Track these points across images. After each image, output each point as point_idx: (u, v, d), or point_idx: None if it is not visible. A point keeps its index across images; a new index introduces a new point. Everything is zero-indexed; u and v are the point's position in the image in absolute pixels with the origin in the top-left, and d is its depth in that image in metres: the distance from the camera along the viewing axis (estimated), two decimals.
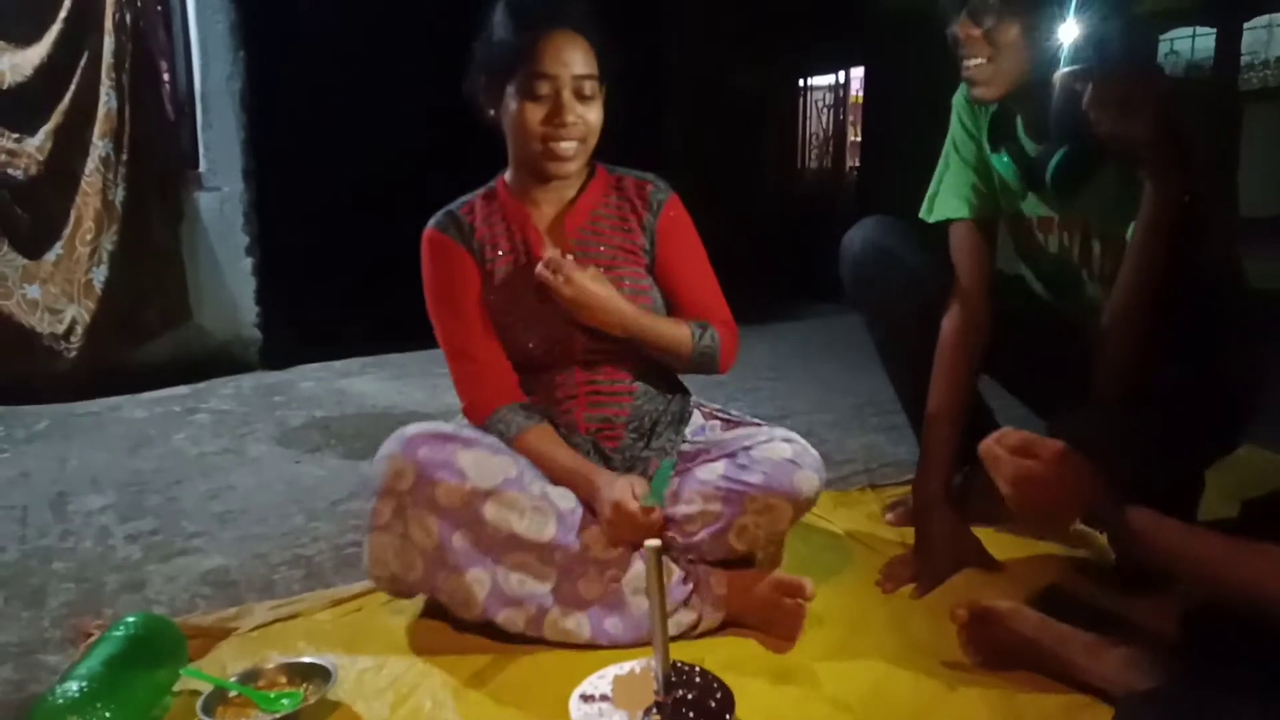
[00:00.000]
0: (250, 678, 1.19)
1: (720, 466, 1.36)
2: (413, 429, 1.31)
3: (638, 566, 1.31)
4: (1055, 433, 1.39)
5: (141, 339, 3.19)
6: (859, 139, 6.57)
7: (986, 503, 1.73)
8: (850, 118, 6.70)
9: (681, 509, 1.35)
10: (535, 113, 1.32)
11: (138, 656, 1.17)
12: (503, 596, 1.29)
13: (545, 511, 1.31)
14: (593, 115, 1.35)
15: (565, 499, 1.34)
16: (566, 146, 1.34)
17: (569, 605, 1.30)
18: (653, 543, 1.04)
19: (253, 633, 1.38)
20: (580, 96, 1.33)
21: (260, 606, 1.46)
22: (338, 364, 3.46)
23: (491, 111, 1.39)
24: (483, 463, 1.30)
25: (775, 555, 1.49)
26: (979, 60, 1.34)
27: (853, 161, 6.72)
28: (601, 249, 1.43)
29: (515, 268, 1.43)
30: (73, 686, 1.07)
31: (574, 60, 1.31)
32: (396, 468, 1.26)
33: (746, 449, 1.37)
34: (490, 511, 1.28)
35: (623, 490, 1.30)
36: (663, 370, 1.49)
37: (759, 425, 1.46)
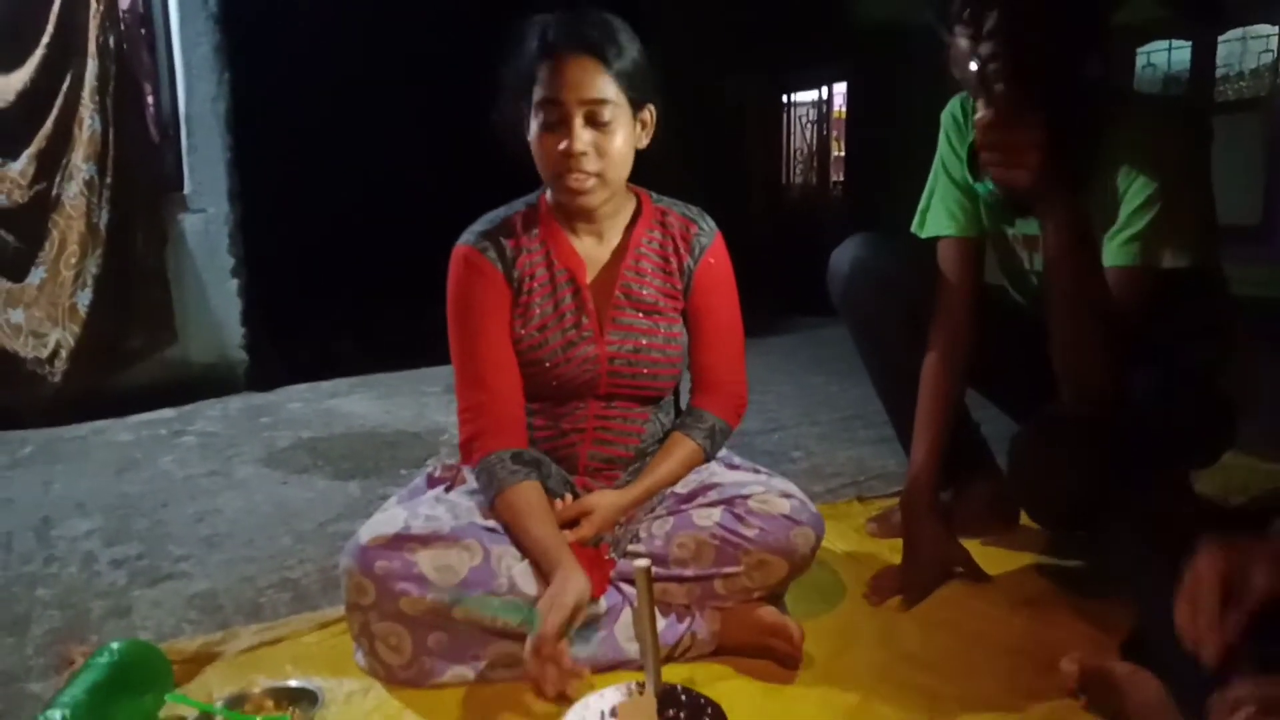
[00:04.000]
0: (236, 702, 1.18)
1: (716, 514, 1.33)
2: (365, 534, 1.24)
3: (626, 615, 1.29)
4: (1024, 434, 1.42)
5: (127, 362, 3.17)
6: (843, 154, 6.64)
7: (974, 515, 1.75)
8: (834, 133, 6.75)
9: (674, 551, 1.33)
10: (549, 142, 1.27)
11: (122, 683, 1.16)
12: (490, 681, 1.26)
13: (516, 606, 1.23)
14: (612, 144, 1.27)
15: (535, 583, 1.26)
16: (578, 178, 1.28)
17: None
18: (642, 563, 1.04)
19: (239, 657, 1.37)
20: (595, 123, 1.26)
21: (246, 630, 1.45)
22: (325, 384, 3.45)
23: (529, 138, 1.33)
24: (444, 560, 1.23)
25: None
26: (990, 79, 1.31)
27: (837, 176, 6.78)
28: (645, 292, 1.39)
29: (553, 300, 1.37)
30: (56, 715, 1.06)
31: (584, 85, 1.25)
32: (355, 583, 1.23)
33: (744, 498, 1.33)
34: (460, 612, 1.23)
35: (575, 596, 1.19)
36: (671, 414, 1.47)
37: (758, 472, 1.42)
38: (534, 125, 1.29)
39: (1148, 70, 5.59)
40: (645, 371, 1.39)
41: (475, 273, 1.36)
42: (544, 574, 1.26)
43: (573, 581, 1.21)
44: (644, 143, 1.34)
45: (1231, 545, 0.85)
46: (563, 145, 1.26)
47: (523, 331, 1.37)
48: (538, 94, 1.27)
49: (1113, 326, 1.25)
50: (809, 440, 2.52)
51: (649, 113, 1.34)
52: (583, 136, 1.26)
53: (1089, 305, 1.24)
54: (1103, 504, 1.28)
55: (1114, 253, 1.30)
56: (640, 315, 1.39)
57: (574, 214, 1.37)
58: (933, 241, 1.61)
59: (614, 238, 1.41)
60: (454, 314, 1.38)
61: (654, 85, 1.33)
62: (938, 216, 1.60)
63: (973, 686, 1.23)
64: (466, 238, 1.39)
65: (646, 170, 1.38)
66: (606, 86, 1.26)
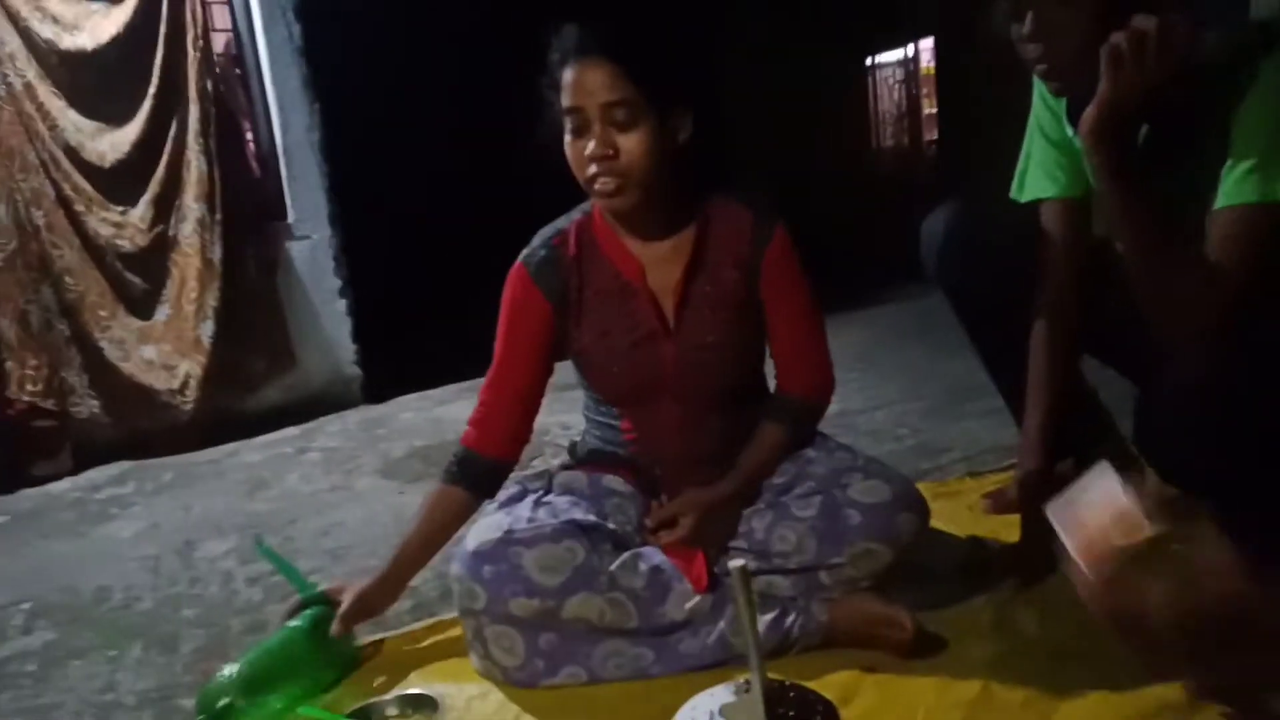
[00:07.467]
0: (363, 714, 1.24)
1: (816, 504, 1.31)
2: (472, 540, 1.30)
3: (729, 613, 1.28)
4: (1154, 392, 1.33)
5: (251, 386, 3.37)
6: (934, 111, 6.38)
7: None
8: (923, 90, 6.50)
9: (776, 544, 1.32)
10: (576, 148, 1.28)
11: (307, 648, 1.33)
12: (601, 680, 1.29)
13: (621, 603, 1.27)
14: (631, 144, 1.26)
15: (634, 576, 1.29)
16: (604, 182, 1.28)
17: (672, 664, 1.29)
18: (737, 563, 1.03)
19: (363, 665, 1.43)
20: (614, 124, 1.25)
21: (369, 639, 1.51)
22: (434, 392, 3.56)
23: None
24: (548, 560, 1.27)
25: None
26: (1037, 62, 1.28)
27: (930, 135, 6.53)
28: (708, 288, 1.38)
29: (614, 304, 1.39)
30: (229, 671, 1.27)
31: (600, 88, 1.24)
32: (465, 588, 1.28)
33: (844, 486, 1.31)
34: (569, 611, 1.26)
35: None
36: (756, 403, 1.46)
37: (856, 455, 1.40)
38: (566, 133, 1.30)
39: None
40: (717, 368, 1.38)
41: (517, 290, 1.40)
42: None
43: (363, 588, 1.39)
44: (679, 140, 1.31)
45: None
46: (586, 150, 1.27)
47: (585, 340, 1.39)
48: (564, 101, 1.28)
49: (1205, 276, 1.16)
50: (914, 416, 2.45)
51: (680, 110, 1.31)
52: (603, 140, 1.25)
53: (1154, 254, 1.18)
54: (1239, 464, 1.19)
55: (1229, 191, 1.20)
56: (706, 312, 1.37)
57: (622, 216, 1.37)
58: (1029, 202, 1.53)
59: (673, 236, 1.38)
60: (500, 324, 1.44)
61: (688, 83, 1.31)
62: (1036, 179, 1.52)
63: (1098, 674, 1.16)
64: (523, 253, 1.42)
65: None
66: (624, 88, 1.25)
